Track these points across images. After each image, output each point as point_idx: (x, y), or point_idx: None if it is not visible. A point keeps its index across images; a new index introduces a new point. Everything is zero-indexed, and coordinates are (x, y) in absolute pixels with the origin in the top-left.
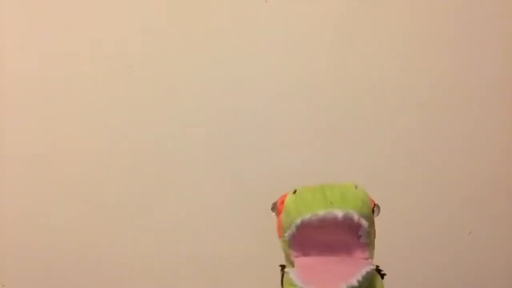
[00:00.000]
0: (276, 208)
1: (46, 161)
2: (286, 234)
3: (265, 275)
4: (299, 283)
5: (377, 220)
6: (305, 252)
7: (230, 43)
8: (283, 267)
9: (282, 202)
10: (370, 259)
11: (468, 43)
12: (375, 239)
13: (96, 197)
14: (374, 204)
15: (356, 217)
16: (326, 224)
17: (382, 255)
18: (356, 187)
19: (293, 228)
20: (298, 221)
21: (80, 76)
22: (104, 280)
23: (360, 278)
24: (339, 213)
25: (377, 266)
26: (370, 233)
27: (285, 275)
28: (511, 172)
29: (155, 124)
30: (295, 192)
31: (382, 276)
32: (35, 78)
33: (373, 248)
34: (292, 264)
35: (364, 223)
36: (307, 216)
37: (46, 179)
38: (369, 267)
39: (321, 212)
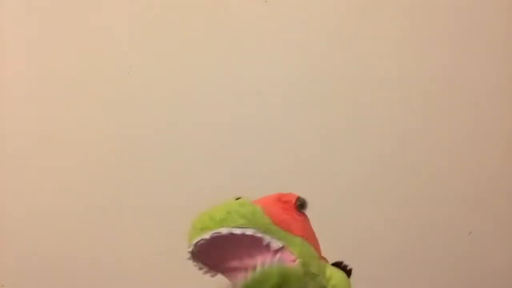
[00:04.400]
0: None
1: (46, 161)
2: None
3: None
4: None
5: (377, 220)
6: None
7: (230, 43)
8: None
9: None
10: None
11: (469, 44)
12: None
13: (95, 197)
14: (296, 199)
15: (225, 231)
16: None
17: (382, 255)
18: (240, 198)
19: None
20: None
21: (80, 76)
22: (103, 280)
23: None
24: (205, 236)
25: (341, 263)
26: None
27: None
28: (511, 172)
29: (155, 124)
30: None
31: (349, 272)
32: (36, 78)
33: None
34: None
35: (235, 232)
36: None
37: (46, 179)
38: None
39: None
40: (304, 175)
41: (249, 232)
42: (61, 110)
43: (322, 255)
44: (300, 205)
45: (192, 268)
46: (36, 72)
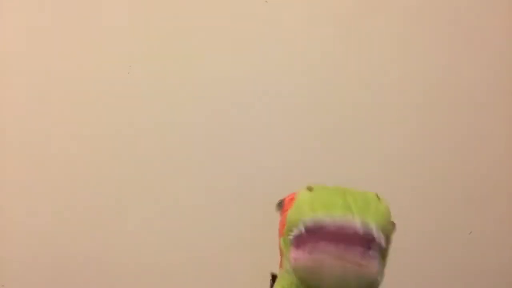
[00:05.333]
0: (282, 206)
1: (46, 162)
2: (292, 233)
3: (262, 275)
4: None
5: None
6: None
7: (230, 43)
8: (274, 277)
9: (291, 200)
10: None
11: (470, 44)
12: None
13: (96, 197)
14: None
15: (374, 230)
16: (339, 231)
17: None
18: (378, 197)
19: (301, 228)
20: (309, 221)
21: (80, 76)
22: (103, 280)
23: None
24: (357, 223)
25: None
26: (385, 249)
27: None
28: (511, 172)
29: (155, 124)
30: (310, 189)
31: None
32: (36, 78)
33: (384, 264)
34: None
35: (382, 238)
36: (321, 217)
37: (46, 179)
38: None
39: (338, 216)
40: (303, 175)
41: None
42: (61, 110)
43: None
44: None
45: (191, 268)
46: (36, 72)
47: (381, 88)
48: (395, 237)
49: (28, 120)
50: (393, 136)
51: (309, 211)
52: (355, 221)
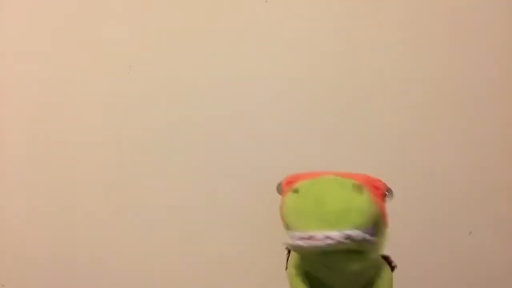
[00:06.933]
0: (280, 189)
1: (45, 161)
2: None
3: (263, 274)
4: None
5: None
6: None
7: (230, 43)
8: (289, 250)
9: (288, 183)
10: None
11: (470, 43)
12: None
13: (96, 197)
14: (387, 189)
15: (358, 236)
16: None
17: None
18: (360, 188)
19: (290, 242)
20: (292, 241)
21: (80, 76)
22: (103, 280)
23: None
24: (336, 236)
25: (388, 257)
26: (376, 242)
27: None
28: (511, 172)
29: (155, 124)
30: (296, 191)
31: (393, 268)
32: (35, 78)
33: (378, 250)
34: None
35: (367, 238)
36: (299, 236)
37: (46, 179)
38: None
39: (319, 235)
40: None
41: (366, 236)
42: (61, 110)
43: None
44: (388, 195)
45: (192, 268)
46: (35, 72)
47: (382, 88)
48: (394, 237)
49: (26, 120)
50: (393, 136)
51: (291, 225)
52: (333, 235)
